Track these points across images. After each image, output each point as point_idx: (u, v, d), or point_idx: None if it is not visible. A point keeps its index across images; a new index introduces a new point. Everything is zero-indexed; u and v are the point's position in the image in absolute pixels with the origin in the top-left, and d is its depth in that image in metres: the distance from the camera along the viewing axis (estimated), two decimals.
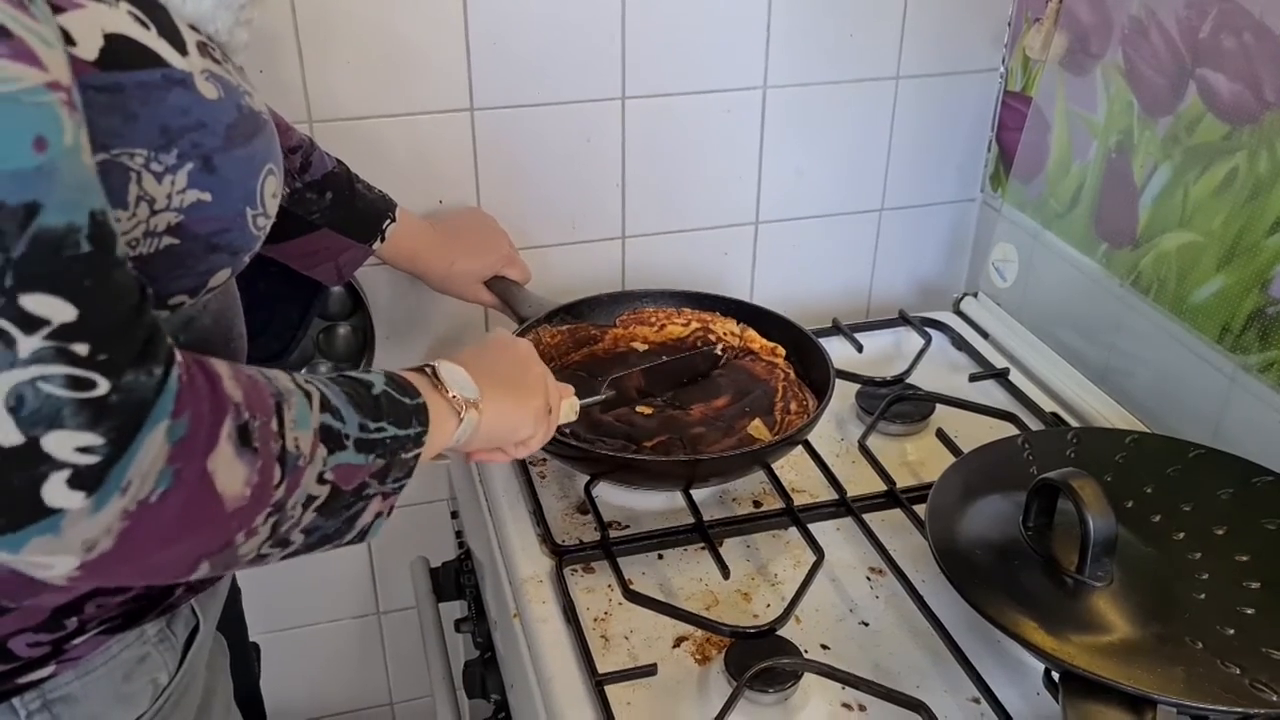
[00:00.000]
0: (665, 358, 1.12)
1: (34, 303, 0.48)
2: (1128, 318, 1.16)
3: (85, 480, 0.50)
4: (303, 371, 0.69)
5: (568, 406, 0.91)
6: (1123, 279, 1.16)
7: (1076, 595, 0.81)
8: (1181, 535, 0.88)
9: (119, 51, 0.56)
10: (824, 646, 0.88)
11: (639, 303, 1.20)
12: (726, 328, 1.18)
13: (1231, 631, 0.78)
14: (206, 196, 0.61)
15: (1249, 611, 0.80)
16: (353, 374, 0.68)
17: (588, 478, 1.02)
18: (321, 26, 1.10)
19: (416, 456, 0.69)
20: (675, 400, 1.09)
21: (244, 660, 1.09)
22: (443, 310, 1.28)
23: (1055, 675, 0.77)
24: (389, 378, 0.69)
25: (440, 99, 1.17)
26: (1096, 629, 0.78)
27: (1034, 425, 1.12)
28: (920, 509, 0.94)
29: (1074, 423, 1.14)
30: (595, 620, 0.90)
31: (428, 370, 0.74)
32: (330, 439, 0.62)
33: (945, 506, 0.91)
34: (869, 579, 0.95)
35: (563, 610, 0.91)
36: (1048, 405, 1.17)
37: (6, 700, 0.68)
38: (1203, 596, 0.81)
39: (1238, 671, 0.74)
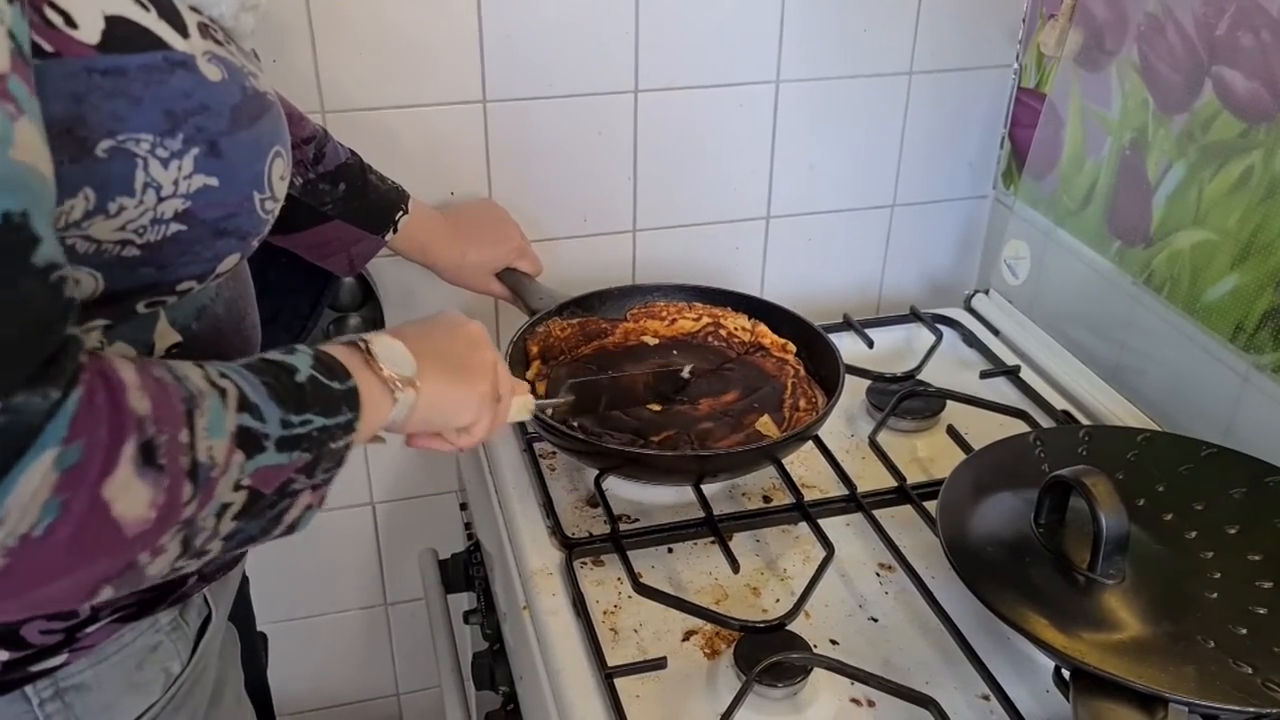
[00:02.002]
0: (629, 370, 1.09)
1: None
2: (1140, 316, 1.16)
3: None
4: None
5: (521, 404, 0.86)
6: (1135, 277, 1.16)
7: (1088, 593, 0.81)
8: (1194, 534, 0.87)
9: (120, 34, 0.56)
10: (833, 642, 0.88)
11: (650, 296, 1.20)
12: (738, 323, 1.17)
13: (1244, 631, 0.77)
14: (213, 181, 0.60)
15: (1261, 611, 0.79)
16: (275, 358, 0.62)
17: (597, 471, 1.02)
18: (335, 17, 1.10)
19: (348, 445, 0.64)
20: (683, 395, 1.09)
21: (251, 650, 1.09)
22: (454, 302, 1.28)
23: (1066, 673, 0.77)
24: (316, 359, 0.64)
25: (453, 91, 1.17)
26: (1108, 627, 0.78)
27: (1045, 423, 1.12)
28: (931, 505, 0.94)
29: (1085, 421, 1.14)
30: (605, 613, 0.90)
31: (360, 345, 0.68)
32: (248, 443, 0.57)
33: (956, 503, 0.91)
34: (879, 575, 0.95)
35: (572, 603, 0.91)
36: (1059, 403, 1.17)
37: (19, 688, 0.67)
38: (1215, 595, 0.81)
39: (1250, 671, 0.74)
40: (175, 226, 0.60)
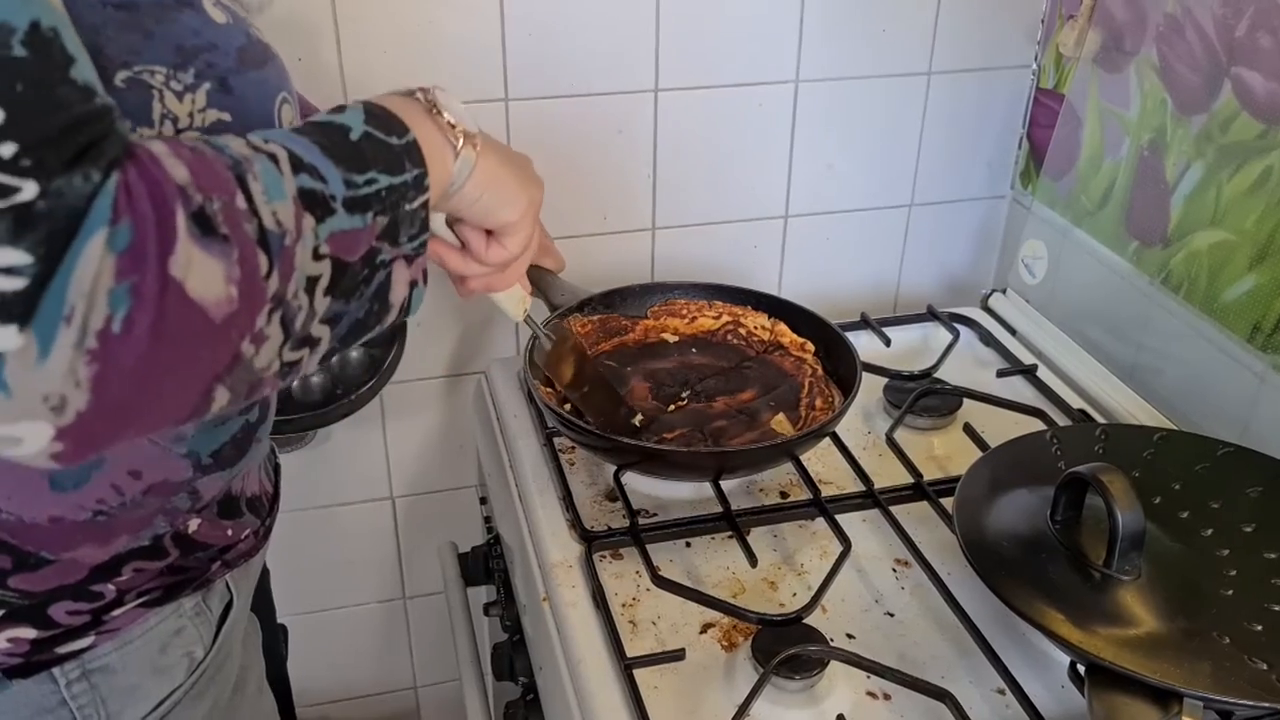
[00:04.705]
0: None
1: None
2: (1157, 316, 1.16)
3: (13, 308, 0.44)
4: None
5: (519, 295, 0.88)
6: (1153, 277, 1.16)
7: (1103, 589, 0.82)
8: (1209, 532, 0.88)
9: None
10: (850, 636, 0.89)
11: (671, 294, 1.20)
12: (757, 321, 1.18)
13: (1259, 628, 0.78)
14: (226, 117, 0.62)
15: (1277, 608, 0.80)
16: (323, 119, 0.59)
17: (616, 466, 1.03)
18: (360, 16, 1.12)
19: (424, 204, 0.61)
20: (700, 393, 1.10)
21: (272, 642, 1.10)
22: (475, 298, 1.29)
23: (1081, 668, 0.78)
24: (369, 113, 0.61)
25: (476, 89, 1.18)
26: (1123, 622, 0.79)
27: (1062, 421, 1.12)
28: (947, 502, 0.95)
29: (1102, 420, 1.14)
30: (624, 605, 0.91)
31: (419, 95, 0.65)
32: (315, 204, 0.54)
33: (973, 499, 0.92)
34: (895, 570, 0.96)
35: (592, 595, 0.92)
36: (1075, 402, 1.17)
37: (47, 669, 0.69)
38: (1230, 593, 0.82)
39: (1264, 667, 0.74)
40: None
